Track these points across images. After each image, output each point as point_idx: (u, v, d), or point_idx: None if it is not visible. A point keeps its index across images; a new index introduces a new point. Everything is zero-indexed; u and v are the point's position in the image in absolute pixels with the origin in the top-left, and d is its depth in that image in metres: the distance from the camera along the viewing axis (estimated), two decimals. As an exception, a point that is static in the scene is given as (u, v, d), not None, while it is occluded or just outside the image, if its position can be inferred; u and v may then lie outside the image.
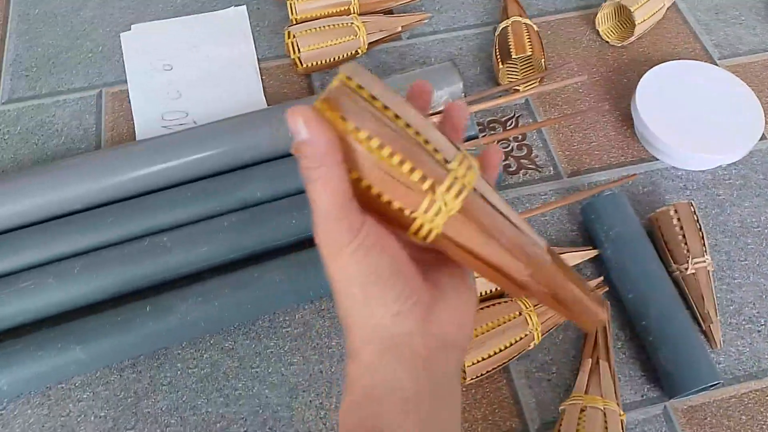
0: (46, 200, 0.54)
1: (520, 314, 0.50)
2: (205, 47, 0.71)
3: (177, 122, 0.66)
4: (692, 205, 0.55)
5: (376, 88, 0.27)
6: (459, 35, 0.72)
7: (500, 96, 0.64)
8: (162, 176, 0.57)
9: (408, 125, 0.27)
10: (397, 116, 0.27)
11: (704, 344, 0.51)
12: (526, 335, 0.50)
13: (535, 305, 0.51)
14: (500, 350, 0.49)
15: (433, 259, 0.31)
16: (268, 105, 0.67)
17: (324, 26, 0.66)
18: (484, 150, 0.32)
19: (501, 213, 0.28)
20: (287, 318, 0.53)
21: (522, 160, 0.63)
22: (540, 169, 0.62)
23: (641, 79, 0.63)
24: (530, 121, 0.65)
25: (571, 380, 0.51)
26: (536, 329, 0.50)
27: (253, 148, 0.59)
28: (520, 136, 0.64)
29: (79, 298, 0.50)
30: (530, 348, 0.51)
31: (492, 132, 0.64)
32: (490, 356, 0.48)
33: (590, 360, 0.50)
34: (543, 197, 0.60)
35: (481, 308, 0.51)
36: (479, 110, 0.63)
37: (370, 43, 0.68)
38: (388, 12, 0.73)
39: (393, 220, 0.28)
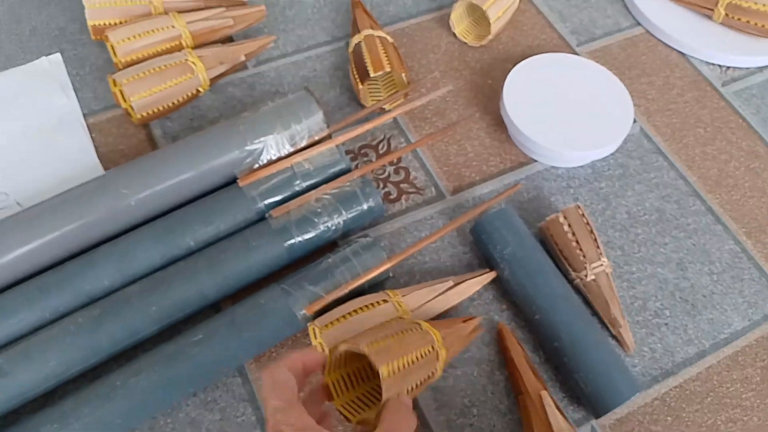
0: None
1: (433, 348, 0.44)
2: (17, 110, 0.60)
3: (-4, 206, 0.55)
4: (580, 208, 0.53)
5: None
6: (311, 55, 0.66)
7: (367, 120, 0.58)
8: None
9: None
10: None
11: (619, 356, 0.48)
12: (434, 372, 0.44)
13: (444, 337, 0.46)
14: (413, 388, 0.43)
15: None
16: (104, 168, 0.57)
17: (154, 68, 0.57)
18: None
19: None
20: (169, 420, 0.45)
21: (401, 185, 0.58)
22: (421, 192, 0.57)
23: (506, 80, 0.60)
24: (402, 140, 0.60)
25: (495, 420, 0.47)
26: (441, 365, 0.44)
27: (92, 226, 0.50)
28: (395, 160, 0.59)
29: None
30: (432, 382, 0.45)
31: (365, 159, 0.59)
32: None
33: (523, 396, 0.46)
34: (429, 221, 0.56)
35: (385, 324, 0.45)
36: (348, 139, 0.57)
37: (212, 79, 0.60)
38: (228, 40, 0.65)
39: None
